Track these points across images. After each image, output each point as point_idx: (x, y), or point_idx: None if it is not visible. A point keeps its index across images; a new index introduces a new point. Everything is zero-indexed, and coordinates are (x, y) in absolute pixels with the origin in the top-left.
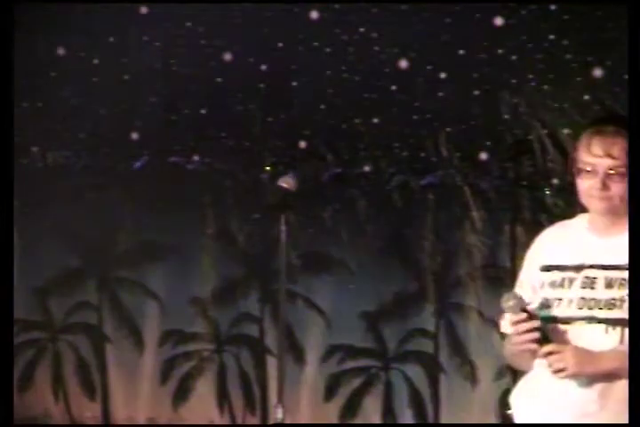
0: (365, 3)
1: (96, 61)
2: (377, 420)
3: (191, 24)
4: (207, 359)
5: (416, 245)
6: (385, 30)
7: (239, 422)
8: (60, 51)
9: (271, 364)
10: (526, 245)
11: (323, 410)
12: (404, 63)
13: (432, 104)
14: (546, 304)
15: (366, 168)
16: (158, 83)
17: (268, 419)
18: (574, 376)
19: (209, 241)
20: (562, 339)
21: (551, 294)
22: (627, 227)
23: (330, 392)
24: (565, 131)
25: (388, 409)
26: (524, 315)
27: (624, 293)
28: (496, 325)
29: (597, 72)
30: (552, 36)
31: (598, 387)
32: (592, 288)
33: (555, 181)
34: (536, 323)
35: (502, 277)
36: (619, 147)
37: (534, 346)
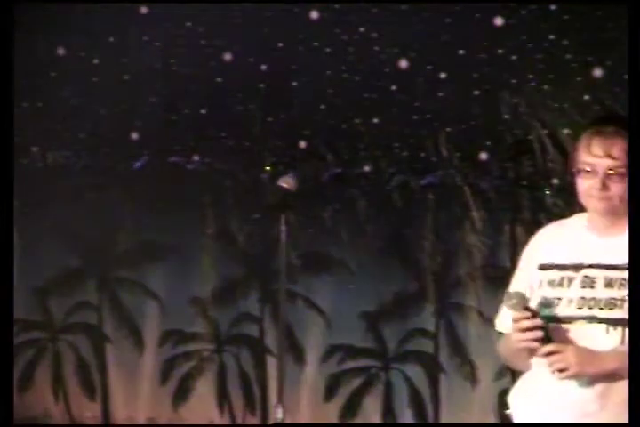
0: (365, 3)
1: (96, 61)
2: (377, 420)
3: (191, 24)
4: (207, 359)
5: (416, 245)
6: (385, 30)
7: (239, 422)
8: (60, 51)
9: (271, 364)
10: (526, 245)
11: (323, 410)
12: (404, 63)
13: (432, 104)
14: (545, 303)
15: (366, 168)
16: (158, 83)
17: (268, 419)
18: (575, 376)
19: (209, 241)
20: (562, 338)
21: (550, 293)
22: (626, 227)
23: (330, 392)
24: (565, 131)
25: (388, 409)
26: (527, 313)
27: (624, 293)
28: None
29: (597, 72)
30: (552, 36)
31: (598, 387)
32: (592, 288)
33: (555, 181)
34: (539, 321)
35: (502, 277)
36: (618, 147)
37: (536, 345)
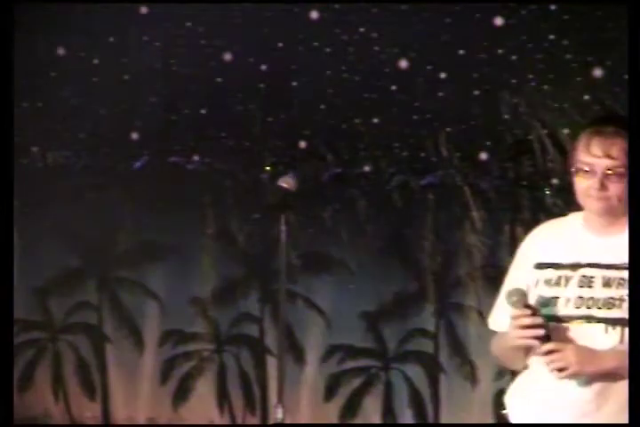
0: (365, 3)
1: (96, 61)
2: (377, 420)
3: (191, 24)
4: (207, 359)
5: (416, 245)
6: (385, 30)
7: (239, 422)
8: (60, 51)
9: (271, 364)
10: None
11: (323, 410)
12: (404, 63)
13: (432, 104)
14: (542, 302)
15: (366, 168)
16: (158, 83)
17: (268, 419)
18: (575, 375)
19: (209, 241)
20: (561, 338)
21: (547, 292)
22: (624, 227)
23: (330, 392)
24: (565, 131)
25: (388, 409)
26: (528, 310)
27: (622, 292)
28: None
29: (597, 72)
30: (552, 36)
31: (596, 387)
32: (590, 287)
33: (555, 181)
34: (540, 319)
35: (502, 277)
36: (617, 147)
37: (535, 343)
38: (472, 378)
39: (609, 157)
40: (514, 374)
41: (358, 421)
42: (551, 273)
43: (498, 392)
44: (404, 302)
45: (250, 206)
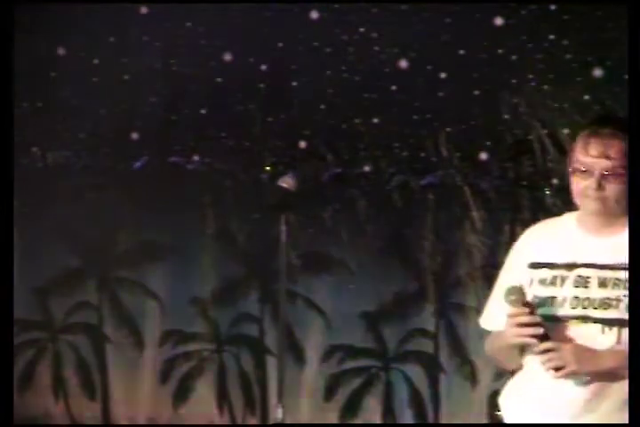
0: (365, 3)
1: (96, 61)
2: (377, 420)
3: (191, 24)
4: (207, 359)
5: (416, 245)
6: (385, 30)
7: (239, 422)
8: (60, 51)
9: (271, 364)
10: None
11: (323, 410)
12: (403, 63)
13: (432, 104)
14: (538, 302)
15: (366, 168)
16: (158, 83)
17: (267, 419)
18: (572, 375)
19: (209, 241)
20: (558, 338)
21: (542, 292)
22: (620, 227)
23: (330, 392)
24: (565, 131)
25: (388, 409)
26: (526, 309)
27: (618, 293)
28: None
29: (597, 72)
30: (552, 36)
31: (592, 387)
32: (585, 287)
33: (555, 181)
34: (538, 318)
35: None
36: (615, 148)
37: (533, 341)
38: (472, 378)
39: (606, 157)
40: (513, 374)
41: (358, 421)
42: (546, 273)
43: (492, 393)
44: (404, 302)
45: (250, 206)
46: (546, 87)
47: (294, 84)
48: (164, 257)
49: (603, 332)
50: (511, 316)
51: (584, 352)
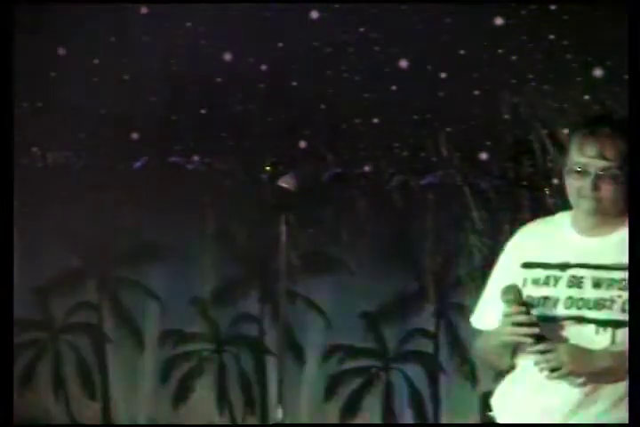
0: (365, 3)
1: (96, 61)
2: (377, 420)
3: (191, 24)
4: (207, 359)
5: (416, 245)
6: (385, 30)
7: (239, 422)
8: (60, 51)
9: (271, 364)
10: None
11: (323, 410)
12: (404, 63)
13: (432, 104)
14: (532, 302)
15: (366, 168)
16: (158, 83)
17: (268, 419)
18: (567, 375)
19: (209, 241)
20: (552, 338)
21: (535, 291)
22: (615, 227)
23: (330, 392)
24: (565, 131)
25: (388, 409)
26: (523, 308)
27: (613, 293)
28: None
29: (597, 72)
30: (552, 36)
31: (585, 388)
32: (579, 288)
33: (555, 181)
34: (534, 317)
35: None
36: (611, 148)
37: (529, 340)
38: (472, 378)
39: (602, 157)
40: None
41: (358, 421)
42: (539, 273)
43: (485, 394)
44: (404, 302)
45: (250, 206)
46: (546, 87)
47: (294, 84)
48: (164, 257)
49: (597, 332)
50: (507, 315)
51: (579, 353)
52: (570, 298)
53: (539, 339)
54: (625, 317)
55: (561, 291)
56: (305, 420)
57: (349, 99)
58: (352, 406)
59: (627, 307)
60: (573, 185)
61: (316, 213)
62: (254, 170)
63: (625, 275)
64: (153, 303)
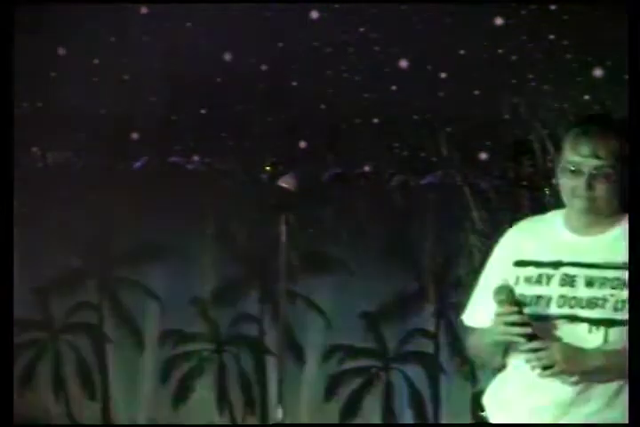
0: (365, 3)
1: (96, 61)
2: (377, 420)
3: (191, 24)
4: (207, 359)
5: (416, 245)
6: (385, 30)
7: (239, 422)
8: (61, 51)
9: (271, 364)
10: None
11: (323, 410)
12: (404, 63)
13: (432, 104)
14: (524, 301)
15: (366, 168)
16: (158, 83)
17: (268, 419)
18: (560, 374)
19: (209, 241)
20: (544, 337)
21: (528, 290)
22: (607, 226)
23: (330, 392)
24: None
25: (388, 409)
26: (515, 308)
27: (606, 292)
28: None
29: (597, 72)
30: (552, 36)
31: (578, 387)
32: (572, 286)
33: (555, 181)
34: (526, 317)
35: None
36: (605, 147)
37: (521, 339)
38: (472, 378)
39: (596, 156)
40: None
41: (358, 421)
42: (532, 271)
43: (475, 394)
44: (404, 302)
45: (250, 206)
46: (546, 87)
47: (294, 84)
48: (164, 257)
49: (590, 331)
50: (499, 314)
51: (572, 351)
52: (562, 297)
53: (531, 338)
54: (617, 315)
55: (553, 289)
56: (305, 420)
57: (349, 99)
58: (352, 406)
59: (619, 306)
60: (567, 184)
61: (316, 213)
62: (254, 170)
63: (617, 274)
64: (153, 303)
